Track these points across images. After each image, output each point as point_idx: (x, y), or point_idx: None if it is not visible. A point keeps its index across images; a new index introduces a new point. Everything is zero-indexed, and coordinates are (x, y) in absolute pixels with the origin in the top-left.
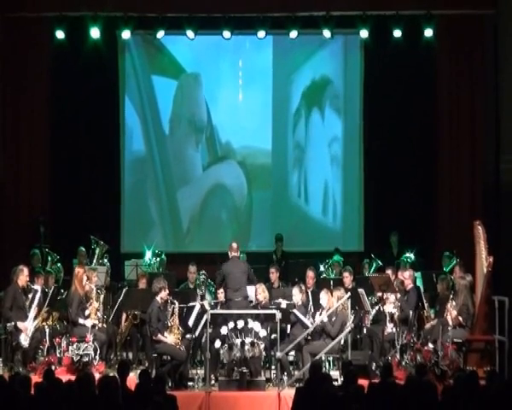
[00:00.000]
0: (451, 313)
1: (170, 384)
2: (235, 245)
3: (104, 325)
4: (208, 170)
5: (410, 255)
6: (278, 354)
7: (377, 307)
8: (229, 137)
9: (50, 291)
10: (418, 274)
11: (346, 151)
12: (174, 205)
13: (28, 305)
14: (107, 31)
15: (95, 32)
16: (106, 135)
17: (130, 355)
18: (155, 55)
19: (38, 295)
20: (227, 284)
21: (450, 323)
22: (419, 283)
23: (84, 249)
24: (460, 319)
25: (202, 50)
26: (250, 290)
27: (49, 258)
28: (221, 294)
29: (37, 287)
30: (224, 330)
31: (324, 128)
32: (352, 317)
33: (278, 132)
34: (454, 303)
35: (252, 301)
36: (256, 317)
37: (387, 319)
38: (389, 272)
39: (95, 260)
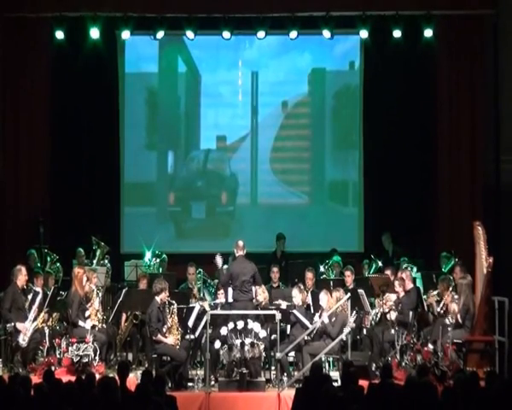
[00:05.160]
0: (453, 307)
1: (170, 385)
2: (241, 243)
3: (104, 326)
4: (208, 170)
5: (414, 270)
6: (278, 355)
7: (377, 310)
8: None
9: (50, 292)
10: (418, 275)
11: (345, 151)
12: (174, 205)
13: (28, 306)
14: (106, 31)
15: (94, 33)
16: (106, 135)
17: (130, 356)
18: (155, 56)
19: (39, 297)
20: (234, 285)
21: (452, 321)
22: (419, 283)
23: (82, 251)
24: (458, 317)
25: (202, 51)
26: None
27: (48, 258)
28: (221, 294)
29: (38, 289)
30: (223, 331)
31: (324, 128)
32: (354, 317)
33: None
34: (455, 301)
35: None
36: (256, 318)
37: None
38: (388, 272)
39: (95, 261)
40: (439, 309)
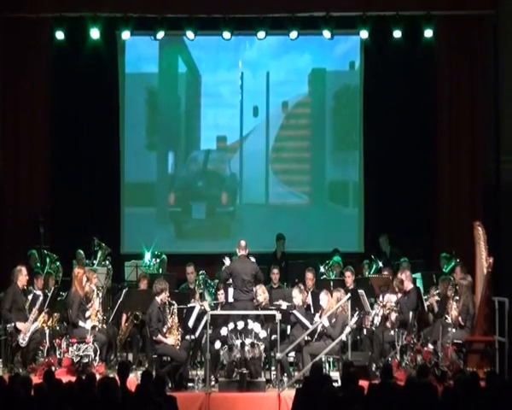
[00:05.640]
0: (452, 313)
1: (170, 385)
2: (243, 243)
3: (104, 326)
4: (208, 171)
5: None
6: (278, 355)
7: (377, 310)
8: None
9: (50, 293)
10: (418, 275)
11: (346, 151)
12: (174, 206)
13: (28, 307)
14: (106, 31)
15: (94, 33)
16: (106, 135)
17: (131, 356)
18: (155, 56)
19: (40, 299)
20: (235, 284)
21: (451, 322)
22: (419, 284)
23: (82, 252)
24: (459, 319)
25: (202, 51)
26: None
27: (48, 259)
28: (221, 294)
29: (39, 292)
30: (224, 331)
31: (324, 128)
32: (356, 318)
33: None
34: (455, 305)
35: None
36: (256, 318)
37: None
38: (386, 273)
39: (96, 262)
40: (448, 320)
